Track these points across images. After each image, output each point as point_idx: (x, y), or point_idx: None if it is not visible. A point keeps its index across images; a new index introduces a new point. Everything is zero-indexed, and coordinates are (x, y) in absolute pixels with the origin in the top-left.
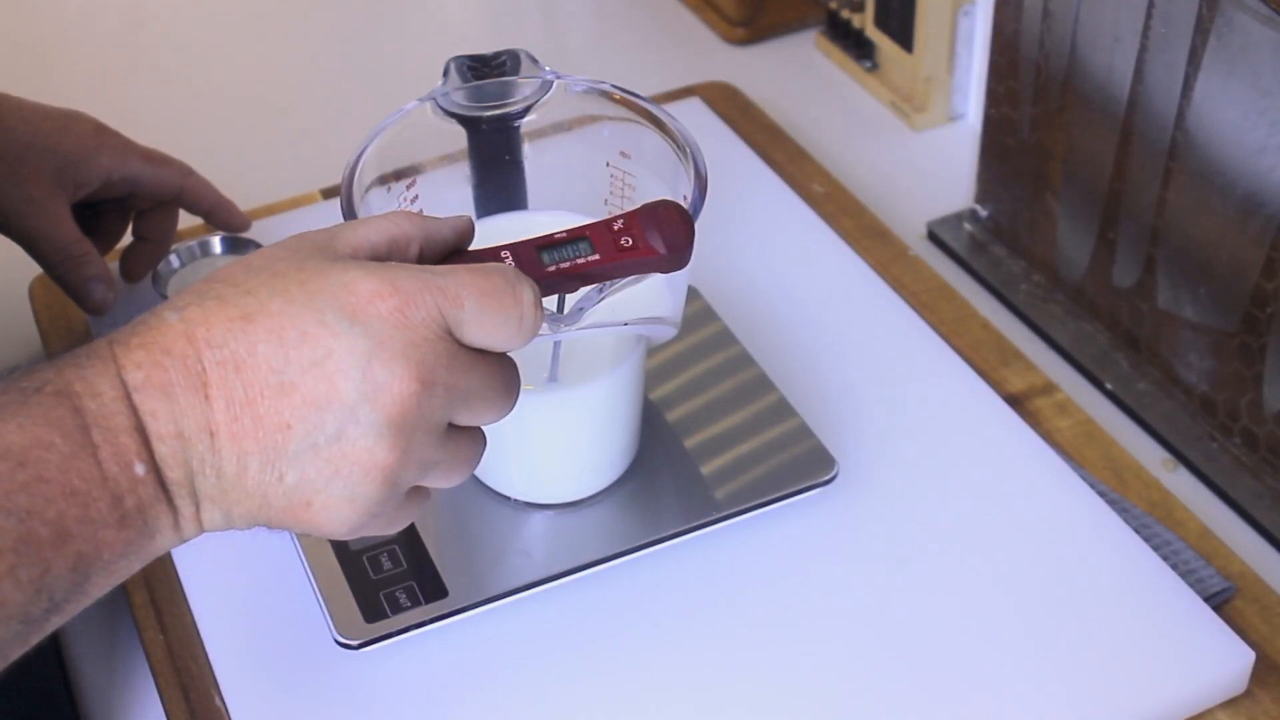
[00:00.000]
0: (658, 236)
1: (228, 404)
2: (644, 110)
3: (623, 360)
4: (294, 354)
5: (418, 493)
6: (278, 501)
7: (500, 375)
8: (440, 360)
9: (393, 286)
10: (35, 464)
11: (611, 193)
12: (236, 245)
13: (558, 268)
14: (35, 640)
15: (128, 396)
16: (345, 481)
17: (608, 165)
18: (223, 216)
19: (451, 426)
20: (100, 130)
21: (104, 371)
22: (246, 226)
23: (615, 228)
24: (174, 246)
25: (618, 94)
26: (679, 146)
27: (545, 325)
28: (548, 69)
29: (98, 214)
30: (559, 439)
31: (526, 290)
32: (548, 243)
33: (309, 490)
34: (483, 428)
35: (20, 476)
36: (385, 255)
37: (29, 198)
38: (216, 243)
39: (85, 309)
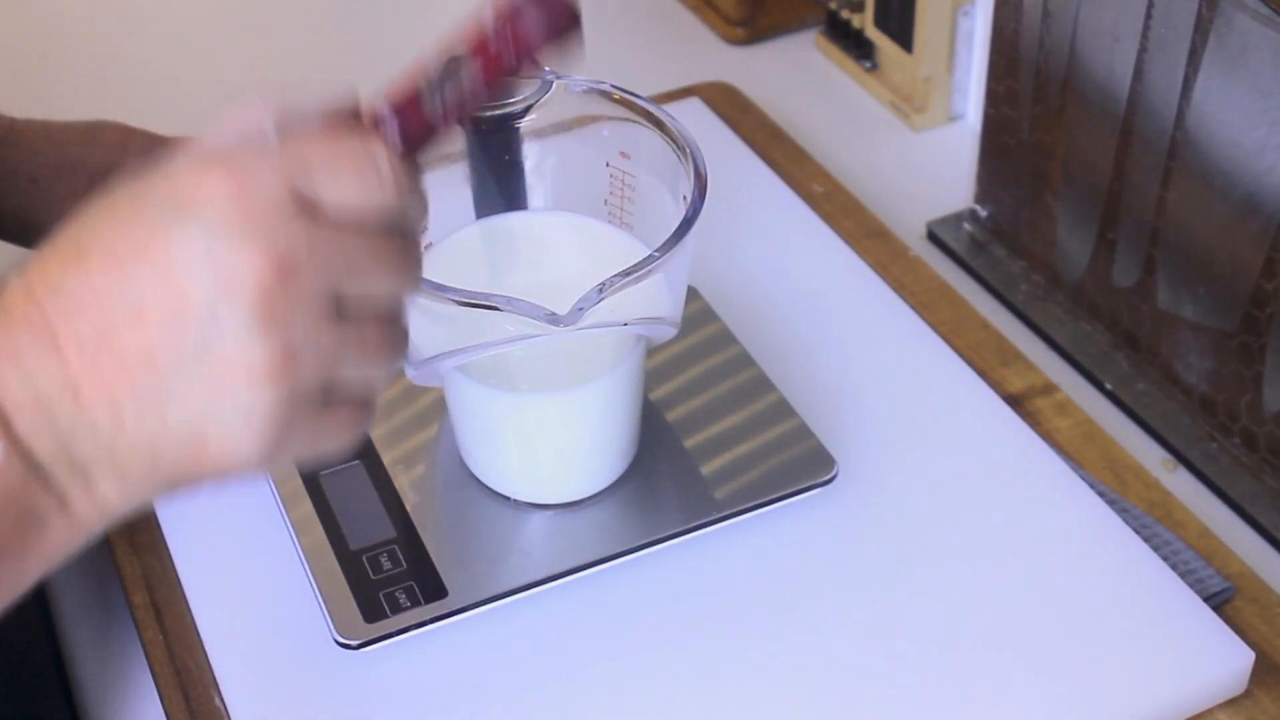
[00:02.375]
0: (536, 19)
1: (80, 351)
2: (644, 110)
3: (623, 360)
4: (133, 273)
5: (346, 402)
6: (168, 448)
7: (384, 242)
8: (296, 231)
9: (223, 164)
10: None
11: (611, 193)
12: None
13: (444, 105)
14: None
15: None
16: (232, 398)
17: (608, 165)
18: None
19: (350, 311)
20: (127, 134)
21: None
22: None
23: (488, 33)
24: None
25: (618, 94)
26: (679, 147)
27: (548, 323)
28: (548, 69)
29: None
30: (559, 439)
31: (377, 144)
32: (423, 84)
33: (198, 422)
34: (465, 425)
35: None
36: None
37: (71, 215)
38: None
39: None
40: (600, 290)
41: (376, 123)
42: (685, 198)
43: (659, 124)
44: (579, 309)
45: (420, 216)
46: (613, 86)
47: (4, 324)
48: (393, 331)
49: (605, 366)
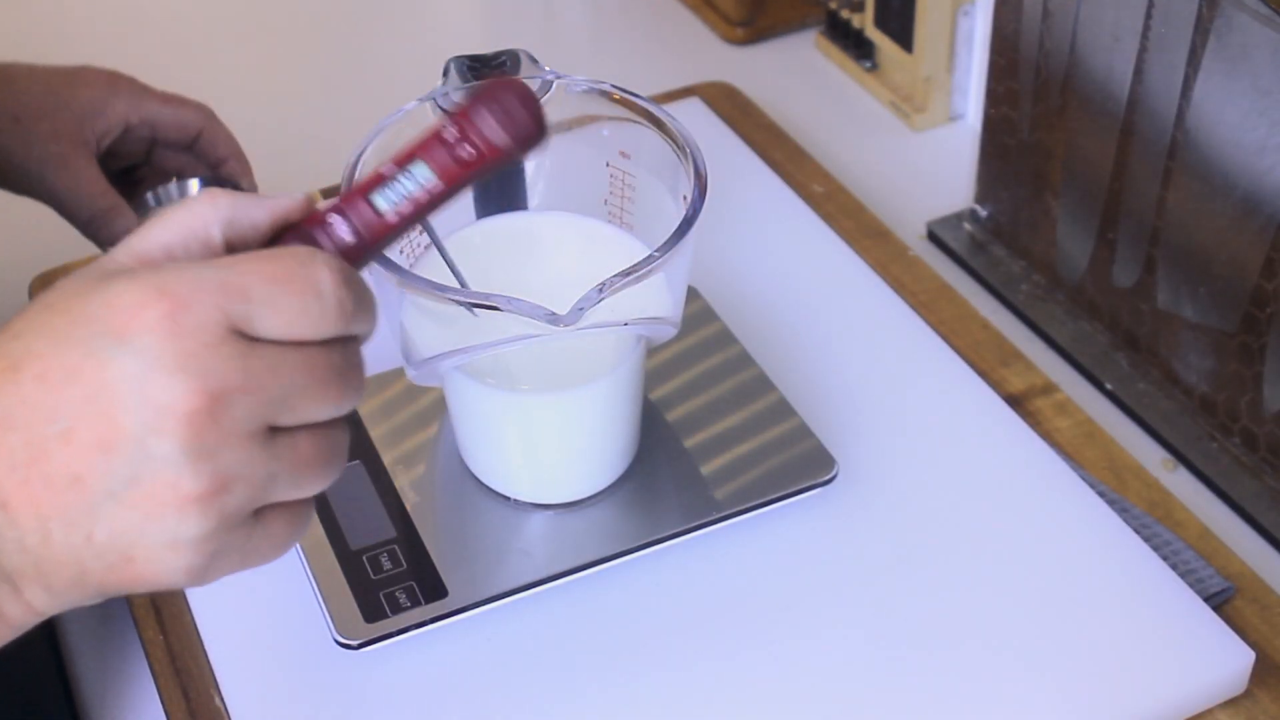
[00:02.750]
0: (498, 129)
1: (11, 467)
2: (644, 110)
3: (623, 360)
4: (65, 395)
5: (275, 512)
6: (94, 565)
7: (323, 366)
8: (231, 364)
9: (159, 291)
10: None
11: (611, 193)
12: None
13: (399, 213)
14: None
15: None
16: (160, 524)
17: (608, 165)
18: (234, 169)
19: (284, 430)
20: (114, 78)
21: None
22: (253, 190)
23: (448, 138)
24: (153, 187)
25: (617, 94)
26: (679, 146)
27: (548, 323)
28: (548, 69)
29: (131, 180)
30: (559, 438)
31: (322, 269)
32: (377, 183)
33: (125, 544)
34: (465, 425)
35: None
36: (181, 252)
37: (52, 155)
38: (194, 185)
39: None
40: (600, 290)
41: (327, 224)
42: (685, 198)
43: (659, 124)
44: (579, 309)
45: (367, 333)
46: (613, 86)
47: None
48: (330, 446)
49: (605, 366)
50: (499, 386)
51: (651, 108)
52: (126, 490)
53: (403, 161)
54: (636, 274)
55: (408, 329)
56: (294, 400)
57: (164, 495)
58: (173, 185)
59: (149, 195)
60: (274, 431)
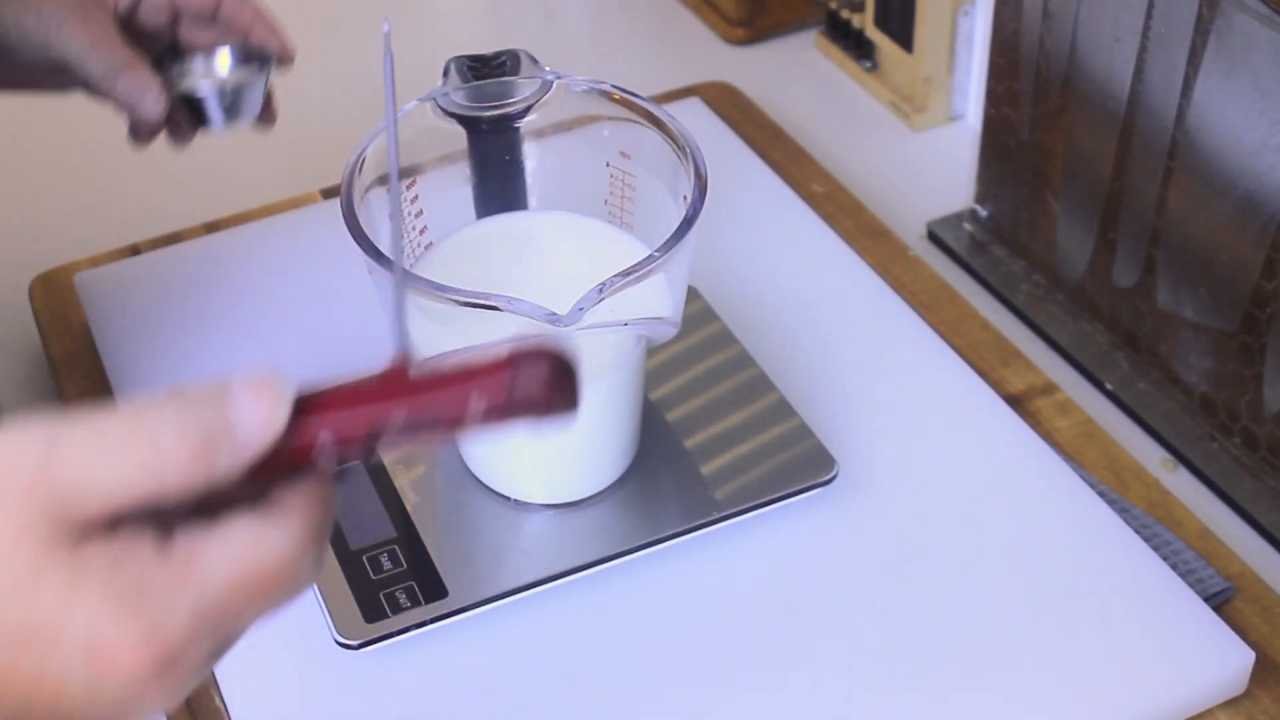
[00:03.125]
0: (532, 409)
1: None
2: (644, 110)
3: (623, 361)
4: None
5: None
6: None
7: (274, 605)
8: (208, 657)
9: (152, 635)
10: None
11: (611, 193)
12: (249, 60)
13: (399, 439)
14: None
15: None
16: None
17: (608, 165)
18: (263, 35)
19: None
20: None
21: None
22: (289, 59)
23: (473, 409)
24: (179, 60)
25: (618, 94)
26: (679, 147)
27: (548, 323)
28: (548, 69)
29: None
30: (559, 438)
31: (307, 563)
32: (383, 420)
33: None
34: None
35: None
36: (139, 508)
37: (68, 10)
38: (223, 55)
39: (137, 124)
40: (600, 290)
41: (316, 448)
42: (685, 197)
43: (659, 124)
44: (579, 309)
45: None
46: (613, 86)
47: None
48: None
49: (606, 367)
50: None
51: (652, 108)
52: None
53: (416, 410)
54: (636, 274)
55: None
56: (245, 627)
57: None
58: (198, 57)
59: (174, 69)
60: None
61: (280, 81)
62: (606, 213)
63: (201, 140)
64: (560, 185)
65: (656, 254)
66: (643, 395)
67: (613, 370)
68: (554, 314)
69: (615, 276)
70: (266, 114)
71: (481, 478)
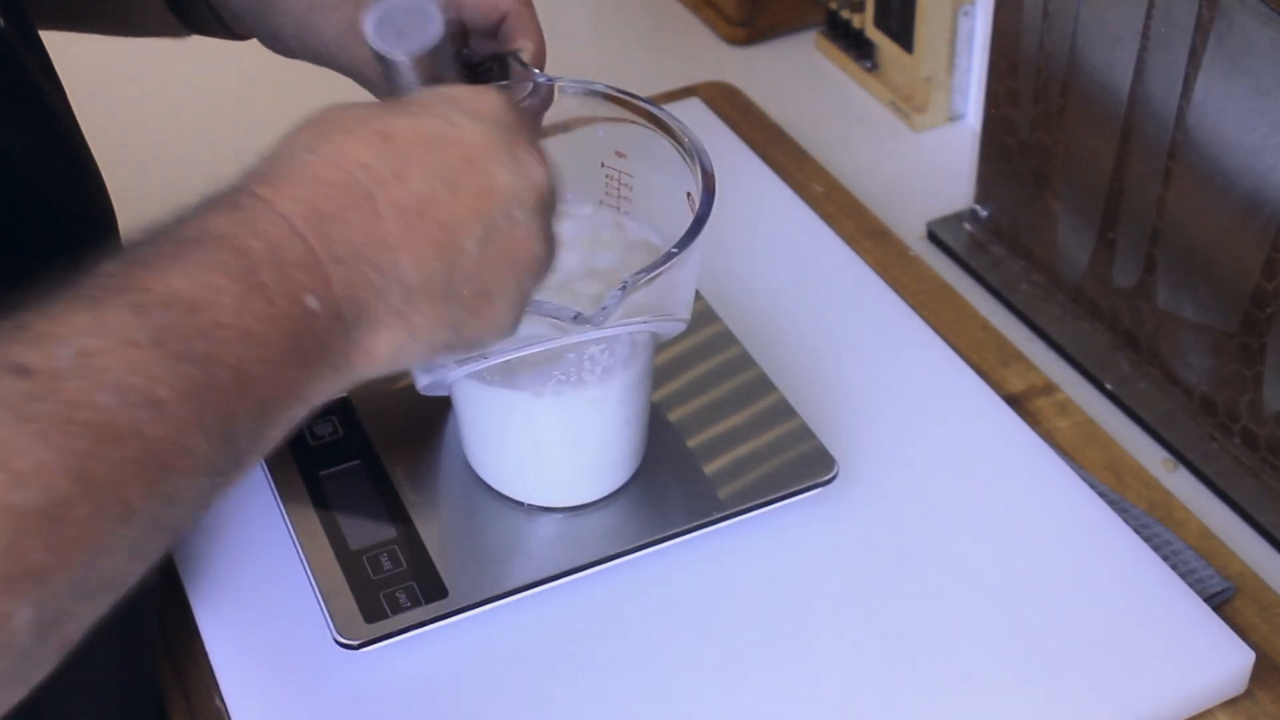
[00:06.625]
0: None
1: (399, 213)
2: (644, 111)
3: (634, 359)
4: (445, 155)
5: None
6: (461, 298)
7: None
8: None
9: (484, 88)
10: (208, 309)
11: (607, 193)
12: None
13: None
14: (216, 501)
15: (294, 229)
16: (513, 273)
17: (603, 166)
18: (540, 60)
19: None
20: None
21: (261, 211)
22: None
23: None
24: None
25: (613, 94)
26: (681, 144)
27: (574, 324)
28: (538, 72)
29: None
30: (568, 440)
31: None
32: None
33: (487, 284)
34: (473, 429)
35: (194, 322)
36: None
37: (344, 25)
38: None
39: None
40: (623, 289)
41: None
42: (690, 194)
43: (661, 124)
44: (605, 308)
45: None
46: (607, 87)
47: (322, 189)
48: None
49: (618, 365)
50: (507, 387)
51: (651, 107)
52: (495, 237)
53: None
54: (658, 270)
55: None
56: (556, 206)
57: (525, 244)
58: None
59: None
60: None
61: (281, 81)
62: (602, 213)
63: (200, 140)
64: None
65: (675, 250)
66: (650, 397)
67: (625, 369)
68: (580, 314)
69: (638, 274)
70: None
71: (490, 482)
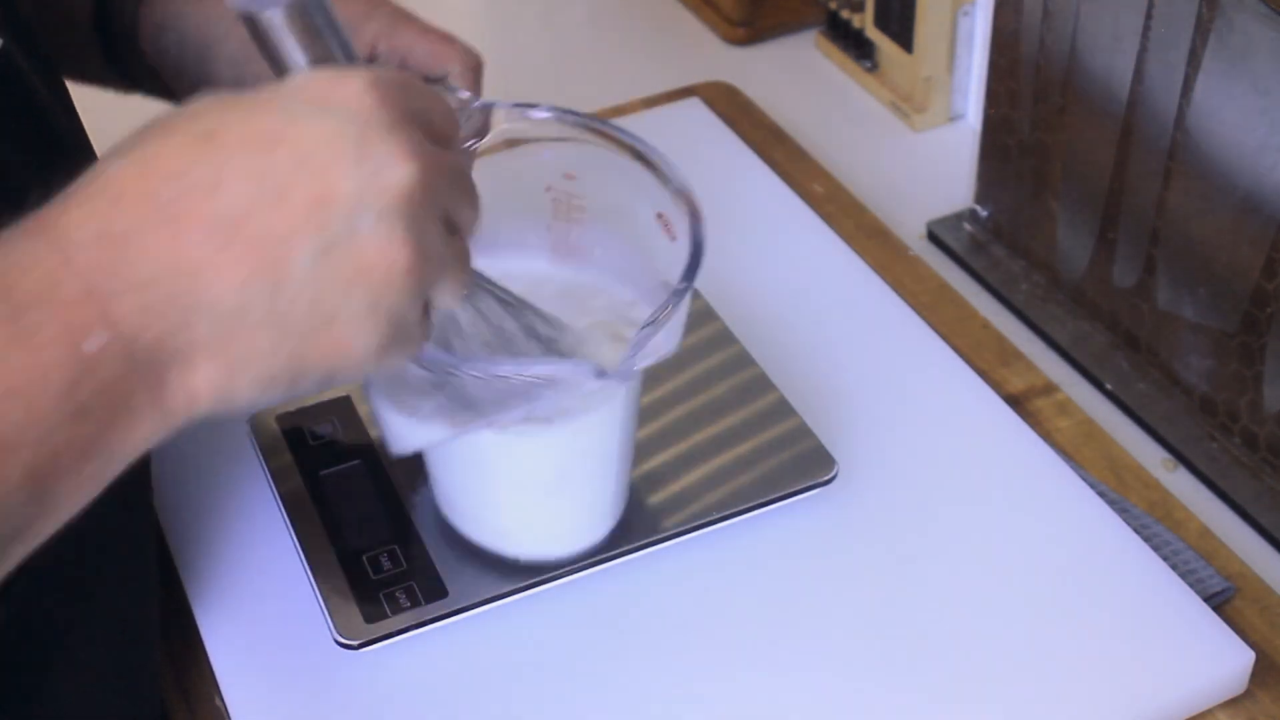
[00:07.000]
0: None
1: (209, 231)
2: (599, 131)
3: (614, 394)
4: (273, 158)
5: (427, 315)
6: (296, 324)
7: (463, 170)
8: (425, 145)
9: (345, 73)
10: None
11: (555, 216)
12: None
13: None
14: (7, 568)
15: (69, 260)
16: (363, 290)
17: (548, 189)
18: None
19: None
20: (373, 2)
21: (41, 241)
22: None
23: None
24: None
25: (565, 118)
26: (650, 165)
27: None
28: (468, 95)
29: None
30: (547, 489)
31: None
32: None
33: (327, 308)
34: (447, 477)
35: None
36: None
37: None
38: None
39: None
40: (639, 345)
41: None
42: (661, 215)
43: (620, 144)
44: (629, 365)
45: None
46: (552, 109)
47: (116, 208)
48: (466, 254)
49: (597, 400)
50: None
51: (610, 129)
52: (334, 251)
53: None
54: (661, 320)
55: (384, 416)
56: (456, 197)
57: (375, 255)
58: None
59: None
60: (449, 228)
61: None
62: (550, 239)
63: None
64: (494, 212)
65: (679, 291)
66: (634, 438)
67: (607, 402)
68: (604, 371)
69: (644, 330)
70: None
71: (467, 534)
